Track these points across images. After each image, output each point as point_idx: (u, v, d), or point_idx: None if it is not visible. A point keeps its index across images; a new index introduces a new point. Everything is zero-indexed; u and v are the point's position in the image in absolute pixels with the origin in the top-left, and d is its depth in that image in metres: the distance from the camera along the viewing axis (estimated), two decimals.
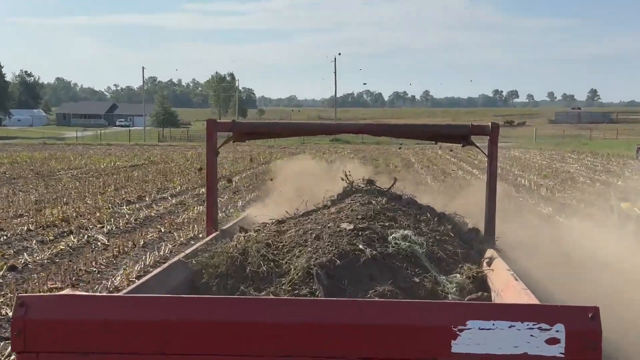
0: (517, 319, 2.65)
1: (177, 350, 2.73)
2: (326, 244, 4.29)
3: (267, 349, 2.70)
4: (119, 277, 8.66)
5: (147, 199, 17.11)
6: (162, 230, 12.43)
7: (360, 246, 4.24)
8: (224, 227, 5.56)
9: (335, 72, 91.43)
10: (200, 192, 18.18)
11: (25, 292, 7.77)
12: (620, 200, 11.26)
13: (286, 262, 4.22)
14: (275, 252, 4.39)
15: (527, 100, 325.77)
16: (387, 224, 4.65)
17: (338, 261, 4.08)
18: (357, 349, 2.68)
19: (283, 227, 4.90)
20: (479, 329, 2.65)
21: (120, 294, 3.28)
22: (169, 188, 19.26)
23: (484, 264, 4.47)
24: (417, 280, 4.12)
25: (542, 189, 19.99)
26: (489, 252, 4.60)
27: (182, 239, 11.48)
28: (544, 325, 2.64)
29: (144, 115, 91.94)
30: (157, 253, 10.27)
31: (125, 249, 10.79)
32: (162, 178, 22.89)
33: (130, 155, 38.39)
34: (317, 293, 3.93)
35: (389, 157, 33.15)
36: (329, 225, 4.59)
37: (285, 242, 4.51)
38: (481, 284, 4.23)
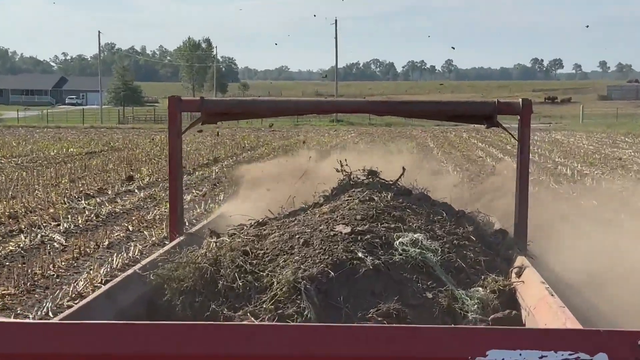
0: (549, 347, 2.62)
1: None
2: (317, 251, 4.27)
3: None
4: (82, 282, 8.80)
5: (109, 192, 17.30)
6: (130, 229, 12.63)
7: (360, 254, 4.22)
8: (191, 230, 5.52)
9: (335, 38, 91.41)
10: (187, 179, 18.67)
11: None
12: None
13: (268, 275, 4.20)
14: (255, 261, 4.36)
15: (574, 72, 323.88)
16: (392, 225, 4.62)
17: (332, 273, 4.06)
18: None
19: (264, 230, 4.87)
20: None
21: (55, 319, 3.24)
22: (136, 179, 19.48)
23: (513, 274, 4.44)
24: (430, 295, 4.10)
25: (587, 179, 19.91)
26: (519, 260, 4.57)
27: (153, 239, 11.60)
28: (582, 355, 2.60)
29: (101, 91, 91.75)
30: (125, 255, 10.44)
31: (87, 250, 10.90)
32: (127, 167, 22.94)
33: (86, 140, 38.44)
34: (305, 313, 3.90)
35: (402, 141, 33.32)
36: (320, 228, 4.56)
37: (267, 249, 4.49)
38: (509, 299, 4.21)
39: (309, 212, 5.14)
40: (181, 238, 5.16)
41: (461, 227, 4.94)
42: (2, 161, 25.44)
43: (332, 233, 4.45)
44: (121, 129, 56.58)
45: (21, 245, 10.97)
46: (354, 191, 5.26)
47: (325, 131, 49.08)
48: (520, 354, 2.63)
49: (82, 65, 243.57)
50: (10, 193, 16.49)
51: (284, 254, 4.38)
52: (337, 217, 4.73)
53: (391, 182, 5.57)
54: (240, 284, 4.18)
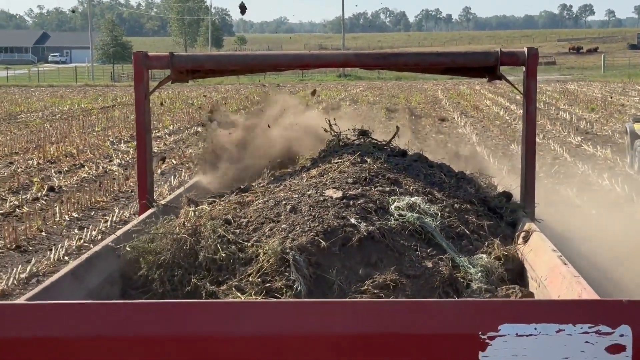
0: (567, 320, 2.56)
1: None
2: (306, 218, 4.20)
3: None
4: (160, 190, 12.64)
5: None
6: (174, 162, 16.43)
7: (352, 220, 4.15)
8: (164, 201, 5.41)
9: None
10: (196, 130, 22.27)
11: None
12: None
13: (253, 245, 4.13)
14: (238, 231, 4.29)
15: (606, 18, 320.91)
16: (387, 189, 4.55)
17: (323, 242, 3.99)
18: None
19: (247, 197, 4.78)
20: (516, 335, 2.56)
21: (19, 300, 3.15)
22: (160, 128, 23.49)
23: (520, 239, 4.38)
24: (429, 264, 4.04)
25: (582, 122, 23.53)
26: (527, 225, 4.50)
27: (195, 169, 13.88)
28: (603, 328, 2.55)
29: (91, 47, 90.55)
30: (181, 177, 14.10)
31: None
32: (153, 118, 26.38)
33: (92, 97, 42.73)
34: (295, 286, 3.84)
35: (411, 94, 34.93)
36: (309, 193, 4.49)
37: (251, 217, 4.41)
38: (516, 267, 4.16)
39: (295, 176, 5.06)
40: (153, 210, 5.05)
41: (461, 190, 4.87)
42: (22, 116, 29.65)
43: (321, 198, 4.38)
44: (118, 86, 58.55)
45: (90, 174, 14.99)
46: (344, 153, 5.17)
47: (333, 86, 50.41)
48: (536, 328, 2.57)
49: (61, 20, 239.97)
50: (52, 139, 20.70)
51: (270, 222, 4.31)
52: (326, 180, 4.65)
53: (384, 143, 5.49)
54: (223, 255, 4.11)
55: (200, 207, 4.68)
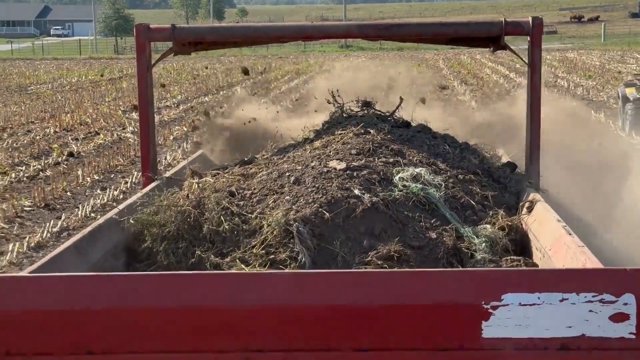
0: (571, 289, 2.56)
1: (109, 348, 2.63)
2: (310, 190, 4.20)
3: (230, 342, 2.60)
4: (169, 157, 13.47)
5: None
6: (184, 130, 16.94)
7: (356, 191, 4.14)
8: (168, 174, 5.40)
9: None
10: (204, 100, 23.40)
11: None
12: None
13: (256, 217, 4.12)
14: (242, 203, 4.29)
15: None
16: (391, 160, 4.53)
17: (326, 213, 3.98)
18: (354, 338, 2.58)
19: (250, 169, 4.77)
20: (520, 304, 2.56)
21: (22, 272, 3.16)
22: (168, 98, 24.52)
23: (524, 210, 4.37)
24: (433, 235, 4.04)
25: (579, 89, 24.12)
26: (531, 195, 4.49)
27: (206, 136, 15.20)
28: (607, 297, 2.54)
29: (94, 20, 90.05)
30: (193, 141, 13.86)
31: (158, 142, 14.81)
32: (157, 87, 27.01)
33: (98, 69, 43.11)
34: (300, 257, 3.84)
35: (412, 64, 35.38)
36: (312, 164, 4.48)
37: (255, 189, 4.41)
38: (520, 237, 4.15)
39: (299, 148, 5.04)
40: (157, 182, 5.04)
41: (465, 161, 4.85)
42: (32, 88, 30.49)
43: (325, 170, 4.36)
44: (122, 59, 58.66)
45: (106, 141, 15.71)
46: (347, 124, 5.14)
47: (335, 57, 50.60)
48: (539, 297, 2.57)
49: None
50: (65, 109, 21.48)
51: (274, 194, 4.30)
52: (330, 152, 4.64)
53: (388, 114, 5.46)
54: (227, 227, 4.11)
55: (204, 179, 4.68)
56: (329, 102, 5.66)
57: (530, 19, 5.04)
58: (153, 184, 4.99)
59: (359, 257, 3.88)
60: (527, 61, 5.09)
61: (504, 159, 5.44)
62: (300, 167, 4.48)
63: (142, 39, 5.22)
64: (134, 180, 11.52)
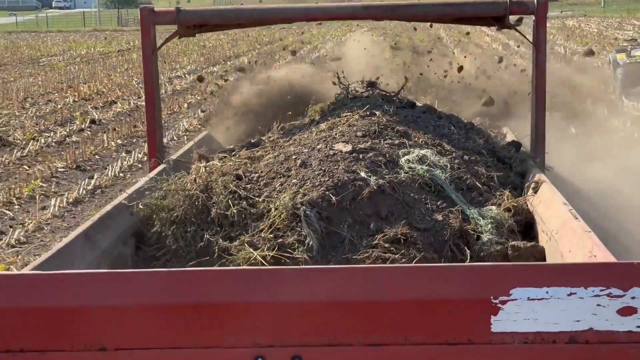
0: (578, 283, 2.56)
1: (121, 344, 2.65)
2: (316, 172, 4.19)
3: (241, 337, 2.63)
4: (185, 123, 14.82)
5: (163, 77, 22.44)
6: (198, 98, 18.00)
7: (362, 174, 4.13)
8: (174, 156, 5.39)
9: None
10: (212, 70, 24.27)
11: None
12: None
13: (264, 200, 4.12)
14: (249, 186, 4.28)
15: None
16: (397, 142, 4.52)
17: (333, 197, 3.97)
18: (364, 333, 2.61)
19: (257, 152, 4.76)
20: (528, 298, 2.57)
21: (25, 270, 3.18)
22: (177, 68, 25.54)
23: (529, 191, 4.37)
24: (439, 217, 4.03)
25: (575, 56, 24.79)
26: (537, 176, 4.48)
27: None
28: (615, 291, 2.55)
29: None
30: (204, 112, 15.27)
31: (175, 109, 16.92)
32: (167, 59, 28.11)
33: (106, 42, 44.01)
34: (307, 241, 3.84)
35: (414, 34, 35.64)
36: (318, 147, 4.47)
37: (262, 172, 4.40)
38: (525, 218, 4.15)
39: (304, 130, 5.02)
40: (164, 166, 5.04)
41: (471, 141, 4.84)
42: (43, 60, 31.57)
43: (331, 152, 4.35)
44: (126, 31, 59.03)
45: (124, 109, 16.74)
46: (352, 106, 5.12)
47: (338, 26, 50.47)
48: (547, 292, 2.57)
49: None
50: (80, 80, 22.45)
51: (281, 177, 4.29)
52: (336, 134, 4.62)
53: (393, 94, 5.44)
54: (235, 211, 4.10)
55: (211, 162, 4.67)
56: (334, 84, 5.64)
57: None
58: (160, 167, 4.98)
59: (366, 240, 3.88)
60: (532, 40, 5.07)
61: (509, 137, 5.42)
62: (306, 150, 4.47)
63: (146, 22, 5.18)
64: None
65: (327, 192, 4.01)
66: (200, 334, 2.64)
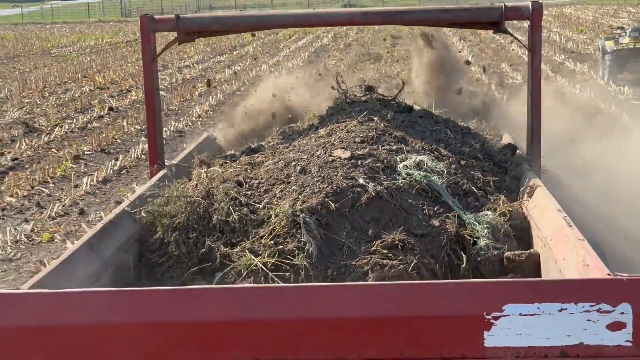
0: (569, 299, 2.62)
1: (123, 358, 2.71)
2: (315, 179, 4.22)
3: (240, 354, 2.68)
4: (198, 109, 16.18)
5: (172, 67, 24.38)
6: (207, 87, 18.99)
7: (361, 180, 4.17)
8: (175, 161, 5.42)
9: None
10: (218, 59, 25.99)
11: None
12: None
13: (264, 207, 4.16)
14: (249, 192, 4.32)
15: None
16: (394, 147, 4.56)
17: (332, 204, 4.01)
18: (361, 349, 2.66)
19: (257, 157, 4.80)
20: (520, 314, 2.62)
21: (40, 274, 3.23)
22: (185, 58, 26.98)
23: (524, 196, 4.41)
24: (436, 223, 4.07)
25: (570, 42, 26.34)
26: (532, 181, 4.52)
27: (229, 91, 18.63)
28: (604, 306, 2.61)
29: None
30: (219, 97, 17.41)
31: (187, 96, 18.16)
32: (175, 49, 29.31)
33: (112, 32, 45.77)
34: (307, 247, 3.88)
35: (412, 28, 35.94)
36: (317, 153, 4.51)
37: (262, 178, 4.44)
38: (521, 224, 4.19)
39: (304, 136, 5.06)
40: (164, 171, 5.07)
41: (467, 145, 4.88)
42: (54, 51, 33.10)
43: (330, 159, 4.38)
44: (130, 21, 59.81)
45: (139, 96, 17.31)
46: (351, 111, 5.16)
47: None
48: (539, 308, 2.63)
49: None
50: (94, 70, 23.84)
51: (280, 183, 4.33)
52: (334, 140, 4.65)
53: (390, 98, 5.48)
54: (236, 217, 4.14)
55: (212, 168, 4.71)
56: (333, 88, 5.67)
57: (530, 3, 5.05)
58: (161, 173, 5.02)
59: (364, 247, 3.91)
60: (527, 45, 5.10)
61: (505, 140, 5.45)
62: (305, 156, 4.51)
63: (146, 30, 5.21)
64: (171, 129, 14.05)
65: (326, 199, 4.04)
66: (201, 352, 2.69)
